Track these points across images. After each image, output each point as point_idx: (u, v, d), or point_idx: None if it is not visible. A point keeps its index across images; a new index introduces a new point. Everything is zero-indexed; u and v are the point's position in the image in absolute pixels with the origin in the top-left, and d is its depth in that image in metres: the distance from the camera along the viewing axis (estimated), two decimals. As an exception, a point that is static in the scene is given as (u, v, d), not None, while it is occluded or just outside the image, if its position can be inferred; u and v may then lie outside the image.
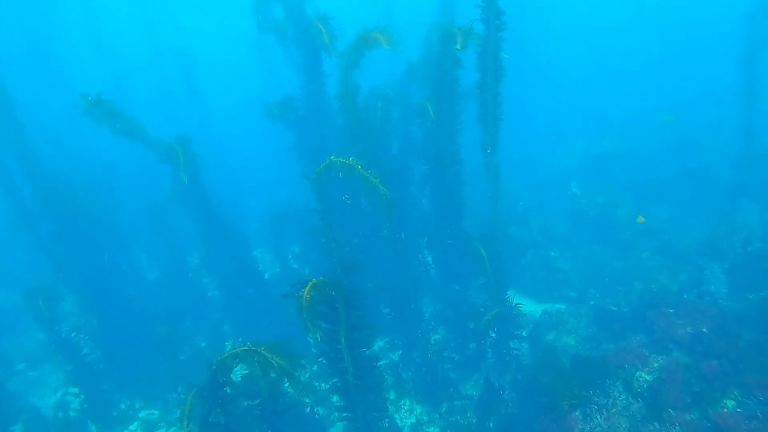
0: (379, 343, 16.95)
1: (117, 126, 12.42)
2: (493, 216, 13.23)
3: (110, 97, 12.81)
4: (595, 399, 11.06)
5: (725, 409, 10.99)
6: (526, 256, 18.54)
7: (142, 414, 16.28)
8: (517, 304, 14.22)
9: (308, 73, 14.44)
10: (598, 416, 10.74)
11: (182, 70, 27.45)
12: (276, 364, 8.94)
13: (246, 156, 31.94)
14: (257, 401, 11.13)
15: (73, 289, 16.47)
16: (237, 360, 9.05)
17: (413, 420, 14.10)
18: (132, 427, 15.76)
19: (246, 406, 11.39)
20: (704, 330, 12.69)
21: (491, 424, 13.23)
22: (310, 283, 8.88)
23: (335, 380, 10.31)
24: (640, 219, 18.44)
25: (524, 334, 15.08)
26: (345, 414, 10.67)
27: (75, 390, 16.34)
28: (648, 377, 11.57)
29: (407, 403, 14.63)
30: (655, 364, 11.90)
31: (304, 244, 20.57)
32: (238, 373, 16.25)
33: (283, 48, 14.85)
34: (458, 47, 10.68)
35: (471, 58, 11.85)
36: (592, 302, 16.91)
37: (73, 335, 16.12)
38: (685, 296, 14.52)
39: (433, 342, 15.82)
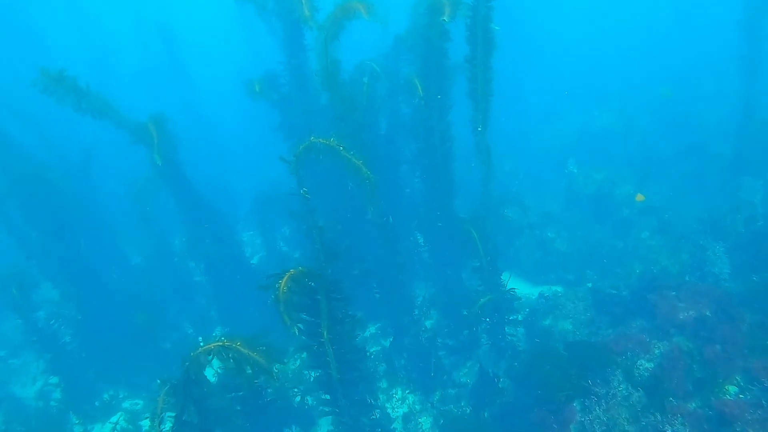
0: (371, 329, 16.42)
1: (81, 104, 11.64)
2: (485, 197, 12.54)
3: (87, 75, 12.11)
4: (594, 389, 10.54)
5: (728, 396, 10.54)
6: (521, 237, 17.93)
7: (125, 404, 15.80)
8: (511, 289, 13.67)
9: (290, 47, 13.65)
10: (597, 408, 10.23)
11: (165, 45, 26.44)
12: (252, 361, 8.35)
13: (236, 134, 31.06)
14: (240, 394, 10.61)
15: (49, 276, 15.80)
16: (211, 356, 8.43)
17: (405, 410, 13.62)
18: (114, 418, 15.27)
19: (228, 399, 10.86)
20: (707, 313, 12.18)
21: (486, 414, 12.75)
22: (287, 275, 8.26)
23: (318, 374, 9.75)
24: (639, 197, 17.82)
25: (520, 318, 14.55)
26: (329, 408, 10.12)
27: (55, 380, 15.74)
28: (649, 365, 11.05)
29: (399, 392, 14.13)
30: (656, 351, 11.39)
31: (294, 226, 19.94)
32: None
33: (264, 21, 14.00)
34: (446, 19, 9.93)
35: (460, 30, 11.11)
36: (589, 284, 16.39)
37: (52, 323, 15.58)
38: (687, 278, 13.99)
39: (425, 328, 15.30)
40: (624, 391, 10.46)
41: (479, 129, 11.48)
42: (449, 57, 11.69)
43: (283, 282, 8.13)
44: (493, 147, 22.23)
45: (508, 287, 17.43)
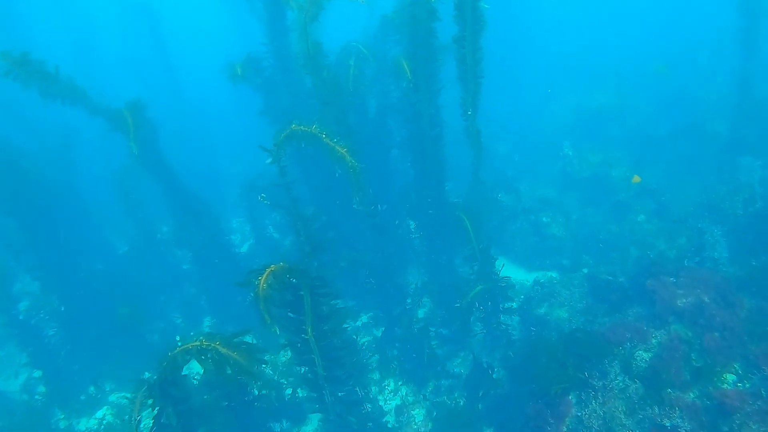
0: (363, 318, 16.08)
1: (49, 90, 11.05)
2: (476, 183, 12.10)
3: (69, 58, 11.56)
4: (591, 382, 10.21)
5: (726, 385, 10.24)
6: (515, 222, 17.53)
7: (112, 398, 15.46)
8: (505, 277, 13.29)
9: (272, 28, 13.08)
10: (594, 401, 9.92)
11: (148, 27, 25.69)
12: (233, 361, 7.96)
13: (225, 117, 30.41)
14: (225, 390, 10.23)
15: (28, 268, 15.33)
16: (188, 356, 8.03)
17: (398, 402, 13.30)
18: (100, 413, 14.92)
19: (213, 396, 10.50)
20: (705, 300, 11.81)
21: (480, 406, 12.44)
22: (267, 271, 7.83)
23: (305, 371, 9.38)
24: (636, 179, 17.41)
25: (515, 306, 14.20)
26: (316, 406, 9.77)
27: (38, 373, 15.36)
28: (647, 355, 10.70)
29: (392, 383, 13.81)
30: (654, 340, 11.04)
31: (283, 212, 19.46)
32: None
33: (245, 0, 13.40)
34: (431, -3, 9.40)
35: (449, 8, 10.58)
36: (585, 270, 16.04)
37: (33, 316, 15.19)
38: (685, 263, 13.62)
39: (418, 318, 14.98)
40: (621, 384, 10.13)
41: (469, 113, 11.00)
42: (438, 37, 11.17)
43: (262, 279, 7.70)
44: (487, 130, 21.82)
45: (502, 274, 17.01)
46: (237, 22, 24.76)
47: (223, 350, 7.97)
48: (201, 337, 8.13)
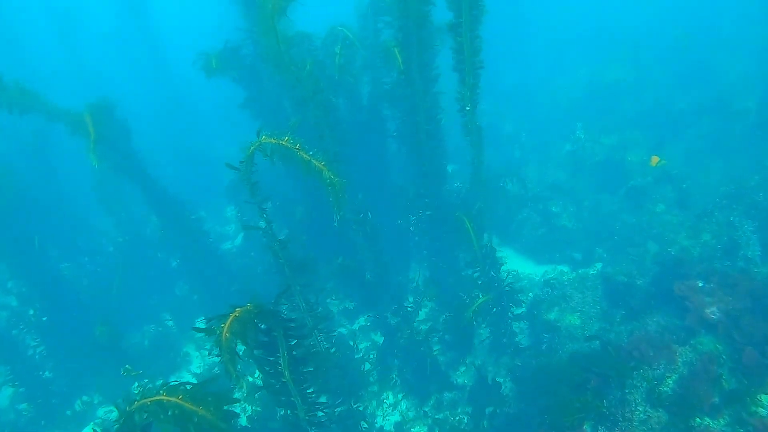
0: (360, 321, 15.08)
1: (-3, 99, 9.85)
2: (478, 183, 10.88)
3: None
4: (609, 411, 9.15)
5: (762, 409, 9.15)
6: (523, 211, 16.29)
7: (99, 412, 14.66)
8: (511, 283, 12.15)
9: (251, 12, 11.71)
10: (611, 436, 8.86)
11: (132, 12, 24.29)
12: (198, 417, 6.94)
13: (219, 97, 29.05)
14: None
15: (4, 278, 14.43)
16: (146, 415, 7.00)
17: (397, 418, 12.35)
18: (88, 429, 14.12)
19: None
20: (739, 308, 10.66)
21: (485, 424, 11.46)
22: (231, 316, 6.74)
23: (285, 413, 8.37)
24: (654, 160, 15.97)
25: (523, 310, 13.10)
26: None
27: (22, 389, 14.54)
28: (672, 377, 9.64)
29: (391, 396, 12.85)
30: (682, 358, 9.94)
31: (276, 203, 18.34)
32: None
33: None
34: (421, -20, 8.05)
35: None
36: (599, 265, 14.95)
37: (13, 328, 14.34)
38: (714, 264, 12.36)
39: (419, 322, 13.97)
40: (642, 414, 9.06)
41: (467, 108, 9.71)
42: (433, 21, 9.83)
43: (225, 326, 6.62)
44: (492, 106, 20.55)
45: (509, 266, 16.06)
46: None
47: (187, 405, 6.95)
48: (162, 391, 7.08)
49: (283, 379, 7.62)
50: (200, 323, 16.90)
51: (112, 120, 11.45)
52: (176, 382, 7.31)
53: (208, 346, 15.61)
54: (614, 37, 25.34)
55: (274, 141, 7.66)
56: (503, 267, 15.60)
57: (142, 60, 25.44)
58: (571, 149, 17.83)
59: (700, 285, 11.22)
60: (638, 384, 9.48)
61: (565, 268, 15.26)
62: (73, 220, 17.29)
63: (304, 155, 7.71)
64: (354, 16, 13.73)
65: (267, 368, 7.67)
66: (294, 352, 7.40)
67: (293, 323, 7.15)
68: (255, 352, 7.51)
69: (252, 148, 7.70)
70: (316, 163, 7.72)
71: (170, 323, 17.11)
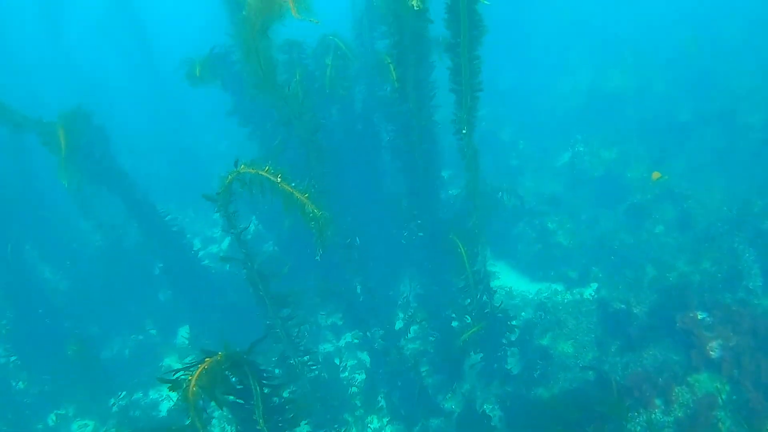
0: (347, 337, 14.62)
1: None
2: (474, 210, 10.35)
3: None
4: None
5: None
6: (518, 225, 15.79)
7: (74, 426, 14.11)
8: (504, 310, 11.65)
9: (237, 9, 11.03)
10: (603, 489, 8.44)
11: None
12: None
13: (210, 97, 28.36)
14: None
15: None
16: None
17: (380, 444, 11.92)
18: (61, 445, 13.67)
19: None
20: (740, 344, 10.26)
21: (472, 456, 11.04)
22: (200, 368, 6.23)
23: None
24: (655, 175, 15.51)
25: (515, 336, 12.64)
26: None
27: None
28: (671, 418, 9.24)
29: (375, 421, 12.40)
30: (680, 399, 9.55)
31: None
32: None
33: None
34: (415, 5, 7.46)
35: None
36: (595, 285, 14.58)
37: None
38: (715, 294, 11.92)
39: (407, 340, 13.52)
40: (637, 464, 8.64)
41: (464, 131, 9.16)
42: (429, 40, 9.25)
43: (193, 379, 6.10)
44: (490, 110, 19.96)
45: (502, 282, 15.67)
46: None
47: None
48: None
49: (258, 428, 7.12)
50: (183, 332, 16.45)
51: (89, 128, 10.82)
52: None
53: (189, 359, 15.14)
54: (617, 40, 24.67)
55: (253, 171, 7.11)
56: (496, 282, 15.33)
57: (129, 52, 24.65)
58: (570, 161, 17.31)
59: (701, 318, 10.79)
60: (637, 430, 9.07)
61: (560, 287, 14.83)
62: (53, 222, 16.66)
63: (287, 187, 7.16)
64: (349, 22, 13.08)
65: (240, 415, 7.18)
66: (271, 401, 6.91)
67: (268, 373, 6.63)
68: (228, 398, 7.03)
69: (229, 179, 7.16)
70: (299, 196, 7.18)
71: (153, 332, 16.57)
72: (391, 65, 9.78)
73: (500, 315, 11.50)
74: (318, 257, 7.67)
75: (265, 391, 6.81)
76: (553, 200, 16.16)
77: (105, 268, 16.67)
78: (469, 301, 11.09)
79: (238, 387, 6.87)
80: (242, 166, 7.20)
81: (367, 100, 12.74)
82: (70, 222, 17.51)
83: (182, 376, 6.22)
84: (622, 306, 12.18)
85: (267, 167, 7.17)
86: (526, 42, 26.07)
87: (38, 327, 14.18)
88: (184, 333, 16.32)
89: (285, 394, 7.10)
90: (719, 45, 23.09)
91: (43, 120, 10.17)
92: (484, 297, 11.12)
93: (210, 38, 12.69)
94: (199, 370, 6.20)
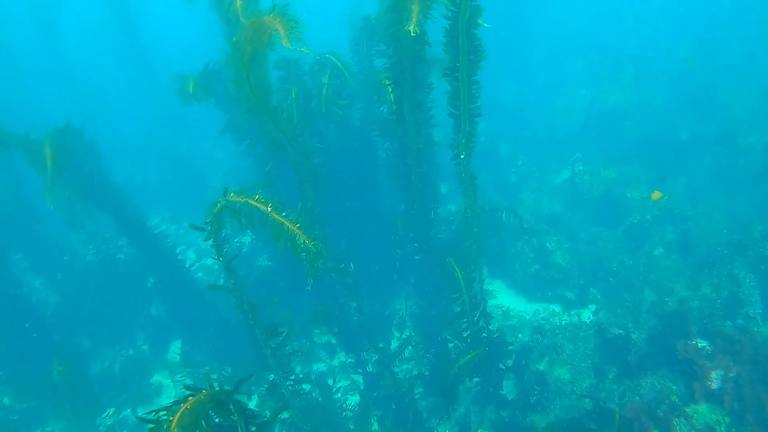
0: (341, 356, 14.38)
1: None
2: (471, 236, 10.15)
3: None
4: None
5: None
6: (517, 243, 15.56)
7: (61, 444, 13.87)
8: (502, 339, 11.44)
9: (232, 31, 10.87)
10: None
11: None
12: None
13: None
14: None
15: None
16: None
17: (372, 473, 11.67)
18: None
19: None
20: (741, 375, 10.08)
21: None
22: (182, 408, 6.00)
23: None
24: (656, 195, 15.30)
25: (511, 362, 12.42)
26: None
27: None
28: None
29: (367, 447, 12.16)
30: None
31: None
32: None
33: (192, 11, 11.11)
34: (412, 30, 7.28)
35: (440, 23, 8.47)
36: (593, 307, 14.41)
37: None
38: (715, 321, 11.72)
39: (402, 360, 13.31)
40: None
41: (462, 156, 8.97)
42: (427, 62, 9.07)
43: (174, 420, 5.88)
44: (490, 125, 19.80)
45: (500, 301, 15.45)
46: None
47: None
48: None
49: (244, 465, 6.89)
50: (175, 347, 16.19)
51: (79, 145, 10.60)
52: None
53: (179, 376, 14.90)
54: (617, 55, 24.50)
55: (242, 200, 6.91)
56: (493, 301, 15.12)
57: (126, 58, 24.48)
58: (570, 180, 17.15)
59: (701, 346, 10.61)
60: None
61: (557, 308, 14.64)
62: (45, 234, 16.43)
63: (277, 217, 6.96)
64: (347, 37, 12.90)
65: (226, 451, 6.94)
66: (256, 440, 6.68)
67: (252, 413, 6.41)
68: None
69: (218, 207, 6.95)
70: (290, 226, 6.97)
71: (145, 347, 16.32)
72: (388, 87, 9.62)
73: (497, 340, 11.31)
74: (309, 287, 7.44)
75: (252, 429, 6.58)
76: (552, 219, 15.98)
77: (97, 280, 16.42)
78: (465, 325, 10.88)
79: (224, 424, 6.64)
80: (231, 194, 7.00)
81: (364, 117, 12.55)
82: (62, 234, 17.22)
83: (163, 417, 5.99)
84: (621, 332, 11.97)
85: (257, 195, 6.96)
86: (526, 54, 26.00)
87: (25, 341, 13.89)
88: (175, 348, 16.06)
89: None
90: (720, 62, 23.02)
91: (30, 137, 9.89)
92: (481, 322, 10.91)
93: (208, 46, 12.51)
94: (182, 409, 5.97)
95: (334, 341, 14.57)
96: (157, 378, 15.45)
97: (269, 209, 6.93)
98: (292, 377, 8.48)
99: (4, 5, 26.05)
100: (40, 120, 24.54)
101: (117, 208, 12.18)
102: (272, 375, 8.56)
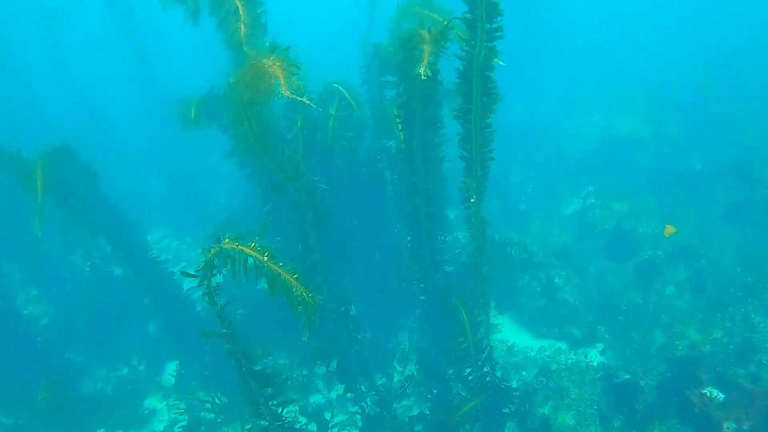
0: (339, 389, 13.95)
1: None
2: (479, 280, 9.78)
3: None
4: None
5: None
6: (525, 277, 15.12)
7: (48, 469, 13.49)
8: (507, 384, 11.03)
9: (236, 56, 10.56)
10: None
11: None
12: None
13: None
14: None
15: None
16: None
17: None
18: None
19: None
20: (754, 427, 9.72)
21: None
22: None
23: None
24: (668, 230, 14.82)
25: (515, 403, 12.00)
26: None
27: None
28: None
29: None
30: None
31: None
32: None
33: (198, 27, 10.79)
34: (422, 73, 6.94)
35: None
36: (600, 346, 14.04)
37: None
38: (727, 368, 11.31)
39: (401, 395, 12.92)
40: None
41: (473, 200, 8.61)
42: (438, 101, 8.72)
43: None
44: (500, 150, 19.42)
45: (505, 335, 15.05)
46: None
47: None
48: None
49: None
50: (171, 369, 15.80)
51: (74, 165, 10.26)
52: None
53: (174, 400, 14.55)
54: (630, 79, 24.11)
55: (237, 247, 6.56)
56: (497, 335, 14.73)
57: (131, 67, 24.25)
58: (580, 212, 16.73)
59: (712, 396, 10.23)
60: None
61: (564, 346, 14.21)
62: (42, 248, 16.12)
63: (274, 267, 6.60)
64: (358, 61, 12.56)
65: None
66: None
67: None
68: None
69: (211, 254, 6.61)
70: (287, 277, 6.62)
71: (141, 367, 15.96)
72: (398, 124, 9.27)
73: (502, 386, 10.92)
74: (305, 338, 7.09)
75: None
76: (561, 252, 15.53)
77: (93, 296, 16.10)
78: (469, 369, 10.51)
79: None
80: (226, 240, 6.65)
81: (372, 147, 12.19)
82: (57, 245, 16.90)
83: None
84: (628, 377, 11.57)
85: (253, 243, 6.62)
86: (538, 76, 25.53)
87: (14, 355, 13.57)
88: (171, 370, 15.65)
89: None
90: (734, 87, 22.59)
91: (22, 155, 9.47)
92: (486, 367, 10.51)
93: (215, 61, 12.19)
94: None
95: (333, 368, 14.17)
96: (150, 401, 15.08)
97: (265, 258, 6.57)
98: (287, 425, 8.09)
99: (9, 13, 25.83)
100: (43, 124, 24.52)
101: (113, 232, 11.82)
102: (264, 422, 8.18)
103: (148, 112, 25.02)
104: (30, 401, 13.12)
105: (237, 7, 8.60)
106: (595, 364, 12.90)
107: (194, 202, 22.06)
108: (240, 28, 8.44)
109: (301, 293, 6.64)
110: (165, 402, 14.94)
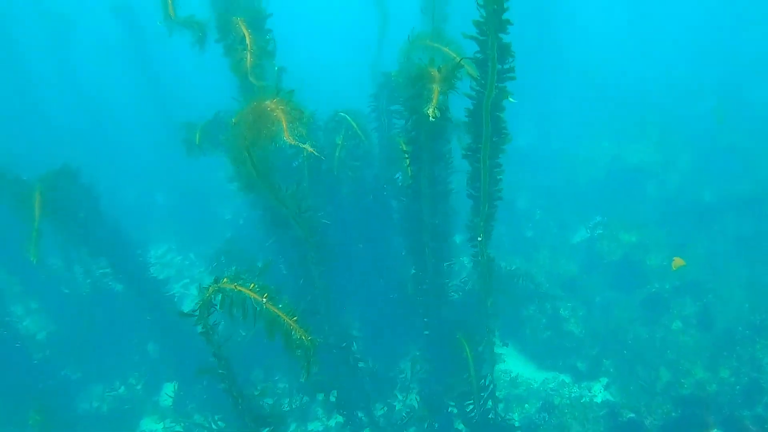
0: (337, 417, 13.73)
1: None
2: (482, 316, 9.60)
3: None
4: None
5: None
6: (530, 308, 14.89)
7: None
8: (510, 422, 10.81)
9: (243, 85, 10.47)
10: None
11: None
12: None
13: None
14: None
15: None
16: None
17: None
18: None
19: None
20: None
21: None
22: None
23: None
24: (677, 262, 14.58)
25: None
26: None
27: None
28: None
29: None
30: None
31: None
32: None
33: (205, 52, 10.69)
34: (430, 114, 6.82)
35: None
36: (604, 380, 13.80)
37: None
38: (733, 410, 11.08)
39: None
40: None
41: (479, 239, 8.44)
42: (447, 138, 8.60)
43: None
44: (508, 171, 19.26)
45: (508, 365, 14.83)
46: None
47: None
48: None
49: None
50: (168, 389, 15.60)
51: (74, 188, 10.14)
52: None
53: (169, 422, 14.37)
54: (641, 105, 23.87)
55: (236, 288, 6.41)
56: (501, 366, 14.50)
57: (139, 78, 24.27)
58: (588, 241, 16.54)
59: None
60: None
61: (567, 378, 13.98)
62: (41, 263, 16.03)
63: (273, 308, 6.44)
64: (368, 88, 12.43)
65: None
66: None
67: None
68: None
69: (208, 293, 6.47)
70: (286, 319, 6.46)
71: (138, 386, 15.77)
72: (406, 159, 9.13)
73: (505, 424, 10.70)
74: (303, 380, 6.91)
75: None
76: (568, 283, 15.31)
77: (93, 312, 15.95)
78: (472, 406, 10.29)
79: None
80: (224, 279, 6.51)
81: (379, 175, 12.05)
82: (59, 263, 16.81)
83: None
84: (633, 415, 11.38)
85: (252, 284, 6.47)
86: (548, 98, 25.32)
87: (10, 371, 13.45)
88: (168, 391, 15.45)
89: None
90: (746, 116, 22.28)
91: (21, 178, 9.32)
92: (489, 404, 10.30)
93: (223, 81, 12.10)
94: None
95: (332, 398, 13.96)
96: (146, 422, 14.90)
97: (264, 300, 6.42)
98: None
99: (17, 20, 25.98)
100: (51, 134, 24.52)
101: (114, 254, 11.70)
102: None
103: (157, 124, 25.03)
104: (23, 420, 13.00)
105: (243, 36, 8.49)
106: (599, 399, 12.70)
107: (199, 218, 21.97)
108: (246, 57, 8.32)
109: (300, 336, 6.47)
110: (161, 423, 14.76)
